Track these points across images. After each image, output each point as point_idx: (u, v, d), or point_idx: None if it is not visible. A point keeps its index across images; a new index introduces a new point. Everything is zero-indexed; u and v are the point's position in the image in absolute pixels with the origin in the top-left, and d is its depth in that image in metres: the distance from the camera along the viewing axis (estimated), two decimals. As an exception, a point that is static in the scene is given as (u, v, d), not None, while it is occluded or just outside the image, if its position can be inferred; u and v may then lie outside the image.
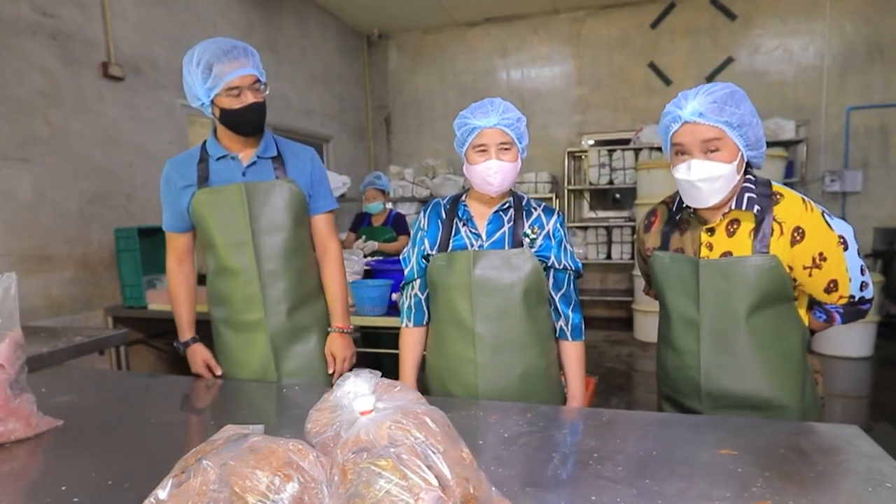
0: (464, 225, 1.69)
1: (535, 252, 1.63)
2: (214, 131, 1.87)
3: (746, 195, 1.43)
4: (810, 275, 1.42)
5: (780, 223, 1.41)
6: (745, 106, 1.37)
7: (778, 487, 1.02)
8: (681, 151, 1.42)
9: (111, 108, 3.67)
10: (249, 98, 1.73)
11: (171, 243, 1.95)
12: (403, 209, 6.59)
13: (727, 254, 1.46)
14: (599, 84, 6.72)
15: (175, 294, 1.97)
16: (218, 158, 1.84)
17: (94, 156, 3.54)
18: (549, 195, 6.51)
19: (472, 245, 1.66)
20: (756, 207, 1.41)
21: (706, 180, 1.38)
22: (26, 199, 3.15)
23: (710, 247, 1.49)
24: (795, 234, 1.39)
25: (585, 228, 6.69)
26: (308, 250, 2.00)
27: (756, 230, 1.42)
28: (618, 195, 6.90)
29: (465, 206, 1.71)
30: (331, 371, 1.99)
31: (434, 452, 0.73)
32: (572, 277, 1.71)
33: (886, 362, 4.88)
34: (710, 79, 6.29)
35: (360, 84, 7.31)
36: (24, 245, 3.15)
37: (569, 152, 6.66)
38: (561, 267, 1.67)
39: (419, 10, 6.59)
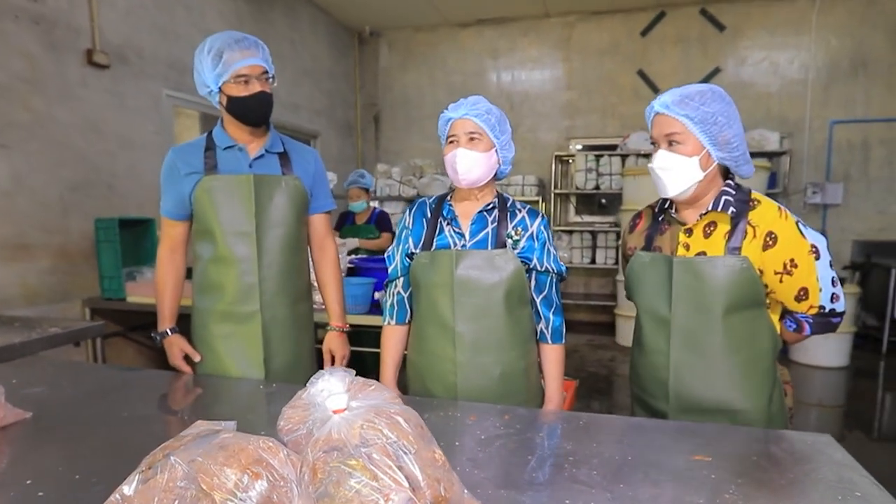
0: (448, 224, 1.69)
1: (518, 253, 1.64)
2: (221, 122, 1.88)
3: (724, 198, 1.46)
4: (781, 280, 1.44)
5: (753, 227, 1.43)
6: (716, 105, 1.40)
7: (750, 494, 1.03)
8: (653, 142, 1.50)
9: (95, 95, 3.61)
10: (257, 87, 1.76)
11: (167, 230, 1.93)
12: (390, 208, 6.56)
13: (701, 254, 1.48)
14: (588, 89, 6.76)
15: (162, 282, 1.94)
16: (225, 148, 1.86)
17: (76, 144, 3.48)
18: (535, 198, 6.53)
19: (455, 244, 1.66)
20: (731, 210, 1.44)
21: (666, 169, 1.45)
22: (4, 185, 3.09)
23: (687, 247, 1.51)
24: (768, 239, 1.42)
25: (571, 232, 6.71)
26: (304, 248, 2.02)
27: (731, 232, 1.45)
28: (604, 200, 6.94)
29: (449, 205, 1.72)
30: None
31: (406, 453, 0.72)
32: (555, 280, 1.71)
33: (861, 372, 4.96)
34: (697, 88, 6.35)
35: (349, 81, 7.28)
36: (1, 232, 3.08)
37: (556, 156, 6.69)
38: (543, 269, 1.68)
39: (411, 9, 6.58)
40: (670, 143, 1.44)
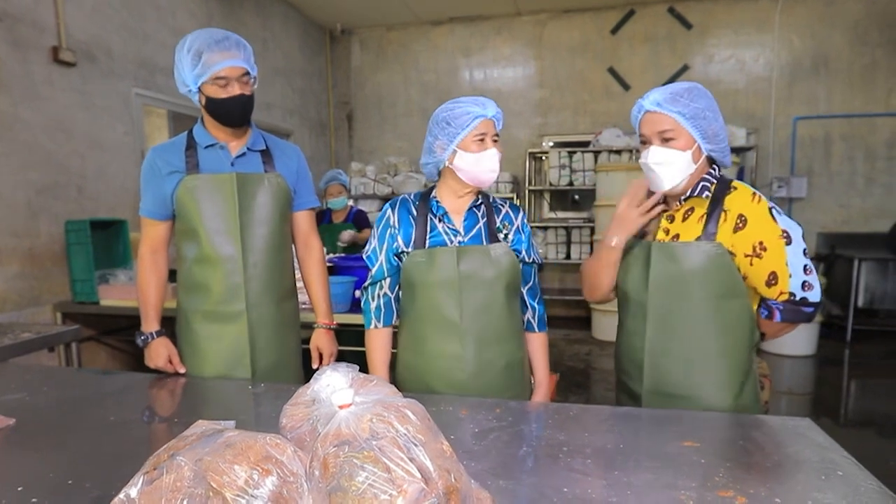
0: (440, 221, 1.69)
1: (510, 246, 1.70)
2: (202, 120, 1.86)
3: (701, 184, 1.52)
4: (751, 263, 1.47)
5: (726, 210, 1.49)
6: (703, 101, 1.46)
7: (739, 477, 1.06)
8: (643, 141, 1.54)
9: (62, 94, 3.51)
10: (236, 89, 1.74)
11: (147, 231, 1.90)
12: (364, 206, 6.54)
13: (676, 237, 1.54)
14: (560, 87, 6.83)
15: (145, 283, 1.89)
16: (206, 147, 1.83)
17: (44, 144, 3.39)
18: (510, 195, 6.58)
19: (451, 241, 1.67)
20: (706, 193, 1.50)
21: (661, 164, 1.49)
22: (-32, 188, 3.00)
23: (667, 231, 1.58)
24: (738, 221, 1.46)
25: (545, 228, 6.78)
26: (288, 246, 2.01)
27: (707, 218, 1.50)
28: (577, 196, 7.02)
29: (437, 201, 1.71)
30: (315, 366, 1.99)
31: (416, 445, 0.73)
32: (536, 270, 1.80)
33: (828, 361, 5.13)
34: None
35: (322, 79, 7.22)
36: (-34, 237, 2.99)
37: (530, 153, 6.75)
38: (530, 260, 1.75)
39: (383, 7, 6.55)
40: (664, 140, 1.48)
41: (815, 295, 1.51)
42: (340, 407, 0.81)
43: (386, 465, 0.70)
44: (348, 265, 3.37)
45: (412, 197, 1.76)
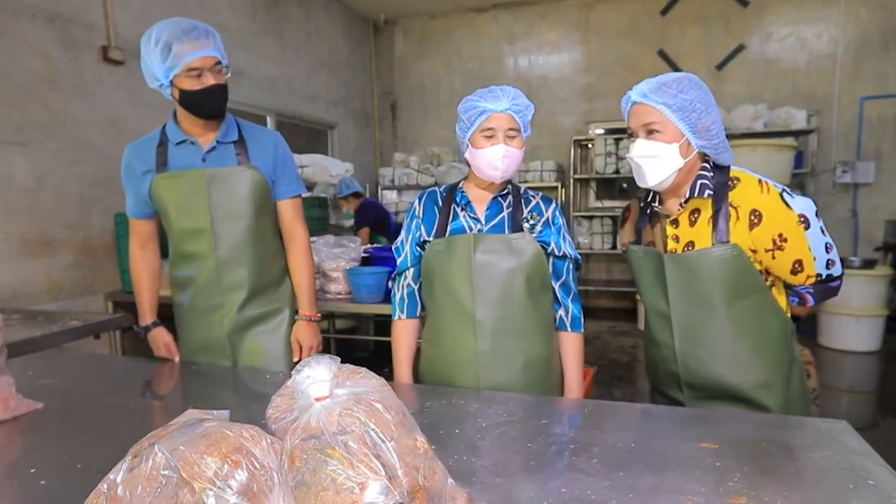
0: (462, 209, 1.65)
1: (536, 238, 1.61)
2: (174, 114, 1.82)
3: (699, 182, 1.42)
4: (773, 257, 1.40)
5: (735, 207, 1.39)
6: (693, 93, 1.37)
7: (755, 482, 0.99)
8: (631, 134, 1.47)
9: (111, 92, 3.66)
10: (210, 80, 1.68)
11: (134, 229, 1.95)
12: (408, 197, 6.57)
13: (690, 244, 1.45)
14: (607, 71, 6.62)
15: (137, 278, 1.96)
16: (177, 143, 1.80)
17: (95, 140, 3.54)
18: (554, 184, 6.45)
19: (471, 229, 1.62)
20: (707, 192, 1.41)
21: (646, 157, 1.42)
22: (26, 183, 3.16)
23: (676, 238, 1.48)
24: (752, 217, 1.38)
25: (591, 218, 6.62)
26: (270, 237, 1.96)
27: (715, 219, 1.41)
28: (624, 185, 6.82)
29: (462, 192, 1.67)
30: (296, 359, 1.96)
31: (384, 441, 0.71)
32: (571, 267, 1.69)
33: (894, 356, 4.80)
34: (720, 67, 6.18)
35: (365, 70, 7.26)
36: (25, 230, 3.16)
37: (575, 140, 6.58)
38: (561, 255, 1.65)
39: (426, -4, 6.53)
40: (649, 133, 1.41)
41: (838, 269, 1.47)
42: (316, 399, 0.79)
43: (350, 461, 0.68)
44: (382, 255, 3.38)
45: (441, 189, 1.74)
